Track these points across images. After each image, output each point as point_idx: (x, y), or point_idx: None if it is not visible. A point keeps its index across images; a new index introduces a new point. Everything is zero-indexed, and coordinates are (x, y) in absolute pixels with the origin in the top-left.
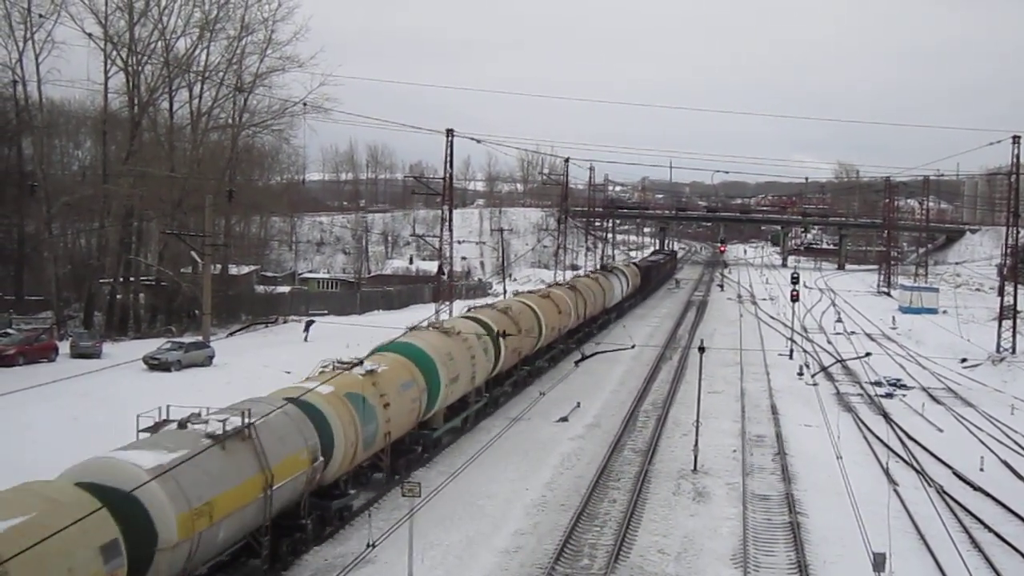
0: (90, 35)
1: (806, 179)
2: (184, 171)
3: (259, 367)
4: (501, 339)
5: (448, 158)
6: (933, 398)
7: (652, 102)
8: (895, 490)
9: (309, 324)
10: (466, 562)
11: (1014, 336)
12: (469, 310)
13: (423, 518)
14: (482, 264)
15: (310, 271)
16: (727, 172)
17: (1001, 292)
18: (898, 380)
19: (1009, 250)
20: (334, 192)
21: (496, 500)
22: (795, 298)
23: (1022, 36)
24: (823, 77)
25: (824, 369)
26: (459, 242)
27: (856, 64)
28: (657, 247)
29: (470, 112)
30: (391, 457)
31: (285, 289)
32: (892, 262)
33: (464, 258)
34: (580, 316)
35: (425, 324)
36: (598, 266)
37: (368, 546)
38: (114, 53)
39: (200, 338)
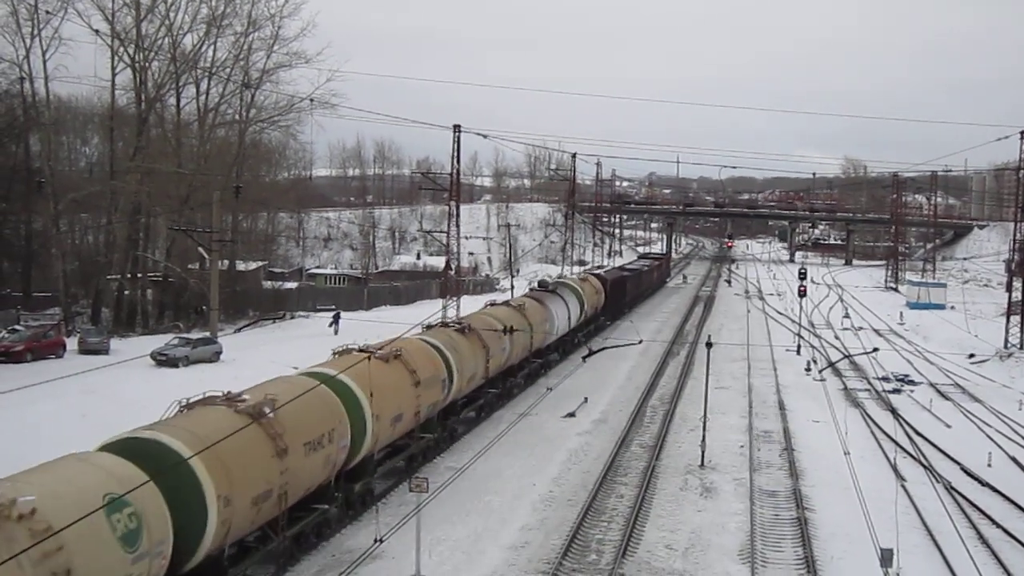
0: (97, 32)
1: (814, 175)
2: (191, 167)
3: (267, 362)
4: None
5: (455, 154)
6: (941, 394)
7: (659, 97)
8: (903, 486)
9: (336, 317)
10: (473, 557)
11: (1022, 332)
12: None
13: (430, 513)
14: (489, 260)
15: (317, 267)
16: (735, 167)
17: (1009, 288)
18: (906, 376)
19: (1017, 246)
20: (341, 188)
21: (503, 495)
22: (802, 293)
23: None
24: (831, 73)
25: (831, 365)
26: (466, 238)
27: (863, 60)
28: (650, 247)
29: (477, 108)
30: None
31: (292, 285)
32: (900, 258)
33: (471, 254)
34: (477, 374)
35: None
36: (536, 284)
37: (376, 541)
38: (121, 49)
39: (208, 334)
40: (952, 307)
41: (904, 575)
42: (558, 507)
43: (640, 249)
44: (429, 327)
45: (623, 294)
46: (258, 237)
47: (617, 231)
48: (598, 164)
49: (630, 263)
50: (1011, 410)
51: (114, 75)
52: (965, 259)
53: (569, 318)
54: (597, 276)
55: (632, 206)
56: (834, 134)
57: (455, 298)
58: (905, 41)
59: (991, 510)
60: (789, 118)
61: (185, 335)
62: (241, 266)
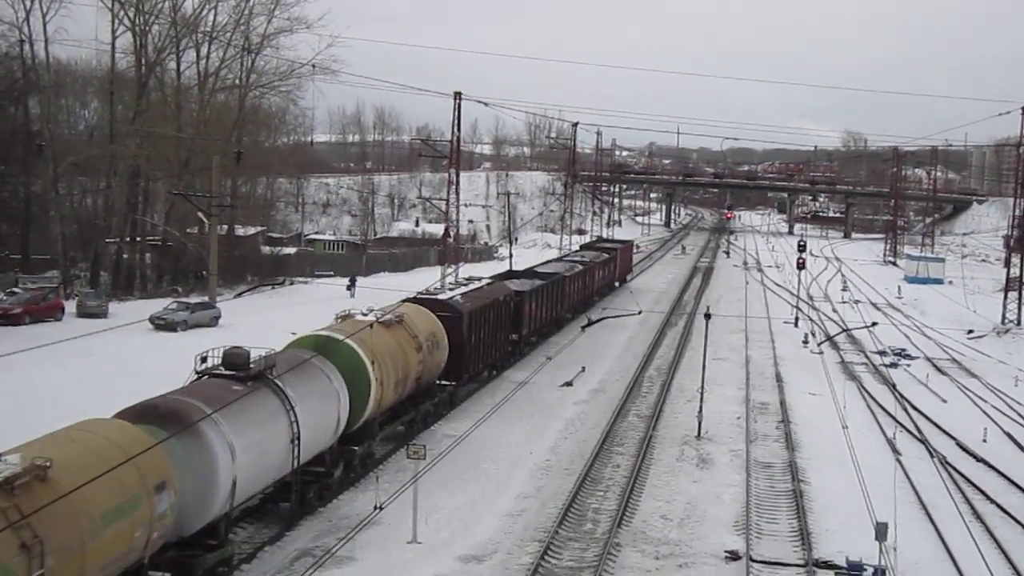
0: None
1: (814, 147)
2: (191, 132)
3: (266, 328)
4: None
5: (455, 121)
6: (937, 368)
7: (661, 67)
8: (898, 460)
9: (353, 281)
10: (470, 525)
11: (1019, 307)
12: None
13: (427, 481)
14: (488, 228)
15: (316, 232)
16: (735, 139)
17: (1007, 263)
18: (903, 350)
19: (1016, 221)
20: (341, 154)
21: (500, 464)
22: (801, 266)
23: None
24: (832, 46)
25: (829, 338)
26: (465, 205)
27: (866, 34)
28: (649, 217)
29: (478, 75)
30: None
31: (291, 250)
32: (899, 232)
33: (470, 221)
34: None
35: None
36: (222, 360)
37: (375, 508)
38: (121, 13)
39: (206, 299)
40: (950, 282)
41: (899, 549)
42: (555, 476)
43: (639, 219)
44: None
45: (516, 323)
46: (257, 202)
47: (616, 201)
48: (598, 133)
49: (550, 261)
50: (1007, 386)
51: (114, 38)
52: (964, 234)
53: (295, 442)
54: (441, 305)
55: (632, 176)
56: (834, 107)
57: (454, 265)
58: (908, 15)
59: (986, 485)
60: (789, 90)
61: (184, 300)
62: (240, 231)
